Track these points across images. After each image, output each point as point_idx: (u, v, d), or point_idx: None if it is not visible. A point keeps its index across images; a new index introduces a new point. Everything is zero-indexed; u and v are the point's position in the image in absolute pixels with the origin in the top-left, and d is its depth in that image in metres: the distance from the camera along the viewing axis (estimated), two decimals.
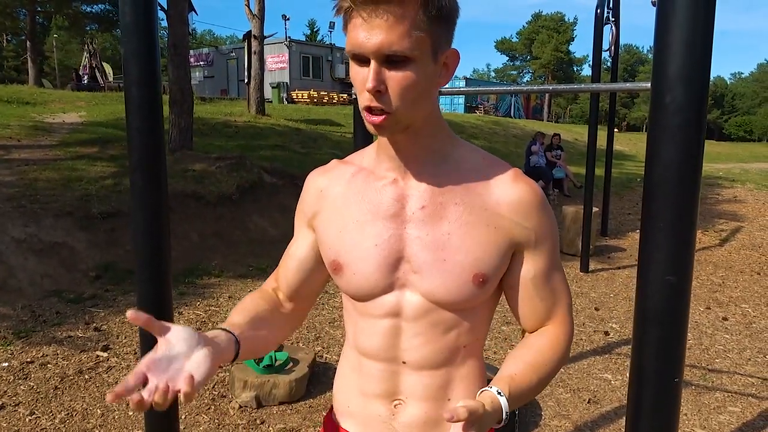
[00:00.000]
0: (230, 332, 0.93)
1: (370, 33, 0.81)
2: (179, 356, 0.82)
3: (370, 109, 0.86)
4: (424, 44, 0.83)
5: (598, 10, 6.23)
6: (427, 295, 0.94)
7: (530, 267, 0.96)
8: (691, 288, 1.01)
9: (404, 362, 0.98)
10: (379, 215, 0.96)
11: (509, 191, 0.93)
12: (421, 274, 0.94)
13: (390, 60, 0.82)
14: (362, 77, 0.85)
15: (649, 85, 1.03)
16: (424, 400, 0.99)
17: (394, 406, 1.00)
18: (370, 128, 0.88)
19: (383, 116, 0.86)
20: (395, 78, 0.83)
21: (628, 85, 1.98)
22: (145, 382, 0.79)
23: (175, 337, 0.83)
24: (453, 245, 0.92)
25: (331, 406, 1.13)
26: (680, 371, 1.03)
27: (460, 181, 0.94)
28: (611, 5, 6.64)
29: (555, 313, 1.00)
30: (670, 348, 1.02)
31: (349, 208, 0.99)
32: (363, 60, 0.84)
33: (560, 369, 0.99)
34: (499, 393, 0.87)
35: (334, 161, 1.08)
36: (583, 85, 2.28)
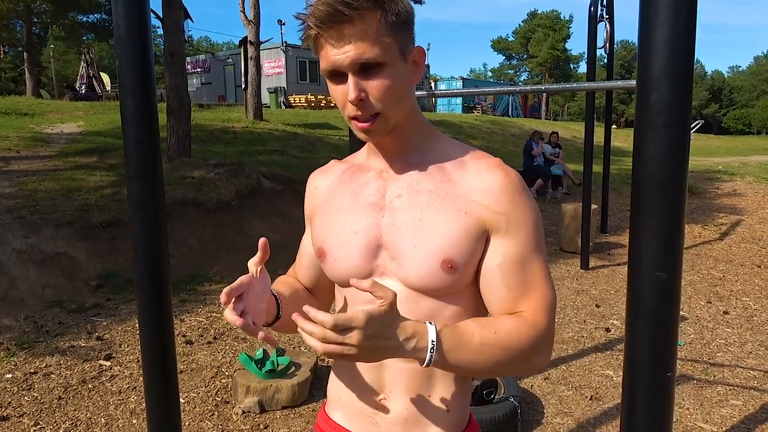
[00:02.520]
0: (275, 297, 1.02)
1: (341, 50, 0.88)
2: (260, 297, 0.96)
3: (356, 118, 0.93)
4: (391, 48, 0.90)
5: (592, 8, 6.25)
6: (404, 282, 0.97)
7: (498, 252, 0.95)
8: (684, 284, 1.02)
9: None
10: (360, 204, 1.02)
11: (483, 177, 0.95)
12: (397, 261, 0.97)
13: (364, 69, 0.89)
14: (342, 92, 0.91)
15: (634, 83, 1.04)
16: (406, 394, 1.01)
17: (379, 400, 1.03)
18: (361, 135, 0.96)
19: (371, 120, 0.92)
20: (372, 84, 0.90)
21: (620, 83, 1.99)
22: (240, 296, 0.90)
23: (263, 280, 0.96)
24: (424, 231, 0.95)
25: (326, 400, 1.18)
26: (673, 365, 1.05)
27: (438, 170, 0.99)
28: (605, 3, 6.65)
29: (524, 306, 0.94)
30: (662, 343, 1.03)
31: (335, 199, 1.06)
32: (340, 75, 0.91)
33: (516, 358, 0.91)
34: (430, 323, 0.86)
35: (332, 161, 1.16)
36: (574, 84, 2.30)
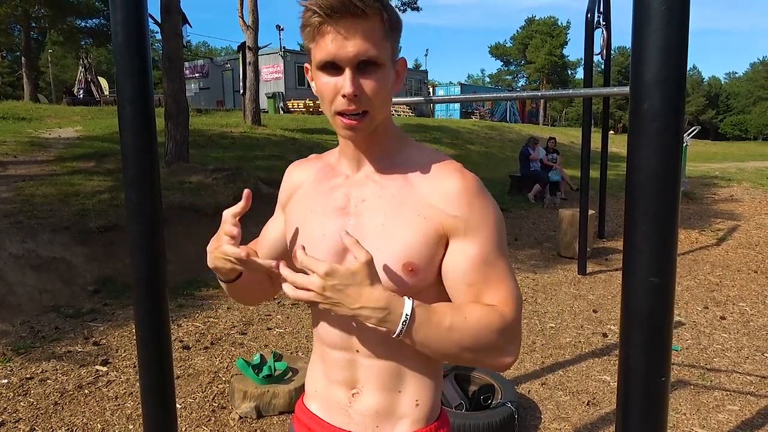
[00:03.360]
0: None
1: (345, 43, 0.89)
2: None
3: (344, 113, 0.94)
4: (387, 52, 0.94)
5: (589, 15, 6.28)
6: None
7: (458, 255, 0.97)
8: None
9: (357, 351, 1.04)
10: (329, 208, 1.05)
11: (441, 182, 0.98)
12: None
13: (362, 66, 0.91)
14: (334, 85, 0.93)
15: (627, 89, 1.05)
16: (377, 389, 1.04)
17: (352, 395, 1.06)
18: (344, 132, 0.97)
19: (359, 118, 0.94)
20: (368, 82, 0.92)
21: (615, 89, 2.01)
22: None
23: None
24: (385, 235, 0.98)
25: (303, 392, 1.21)
26: (667, 370, 1.05)
27: (402, 176, 1.01)
28: (602, 9, 6.69)
29: (487, 297, 0.96)
30: (656, 348, 1.04)
31: (309, 200, 1.09)
32: (336, 68, 0.91)
33: (484, 346, 0.93)
34: (408, 298, 0.90)
35: (312, 155, 1.19)
36: (570, 91, 2.32)
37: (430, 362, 1.05)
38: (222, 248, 1.01)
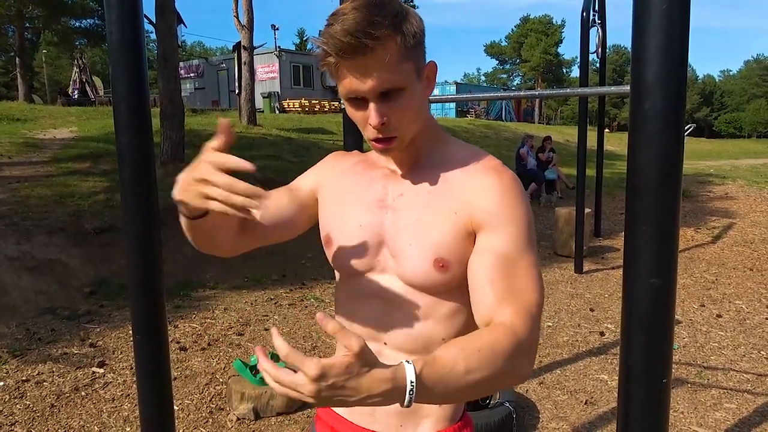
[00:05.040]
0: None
1: (362, 79, 0.89)
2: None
3: (378, 140, 0.95)
4: (410, 71, 0.92)
5: (584, 13, 6.28)
6: (403, 278, 1.00)
7: (484, 250, 0.93)
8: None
9: (385, 343, 1.03)
10: (367, 199, 1.05)
11: (476, 177, 0.98)
12: (396, 259, 1.01)
13: (385, 94, 0.91)
14: (362, 115, 0.94)
15: (628, 88, 1.04)
16: None
17: None
18: (380, 153, 1.00)
19: (389, 141, 0.95)
20: (394, 108, 0.92)
21: (613, 89, 2.00)
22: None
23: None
24: (419, 230, 0.98)
25: None
26: (668, 371, 1.05)
27: (440, 171, 1.01)
28: (597, 8, 6.70)
29: (505, 307, 0.89)
30: (658, 348, 1.03)
31: (347, 189, 1.09)
32: (360, 99, 0.92)
33: (508, 373, 0.85)
34: (408, 362, 0.77)
35: (355, 151, 1.20)
36: (567, 90, 2.32)
37: None
38: (207, 157, 0.83)
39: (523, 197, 0.97)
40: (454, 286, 0.98)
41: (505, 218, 0.94)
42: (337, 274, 1.13)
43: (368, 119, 0.93)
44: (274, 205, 1.12)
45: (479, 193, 0.96)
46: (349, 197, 1.08)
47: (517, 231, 0.93)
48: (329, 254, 1.09)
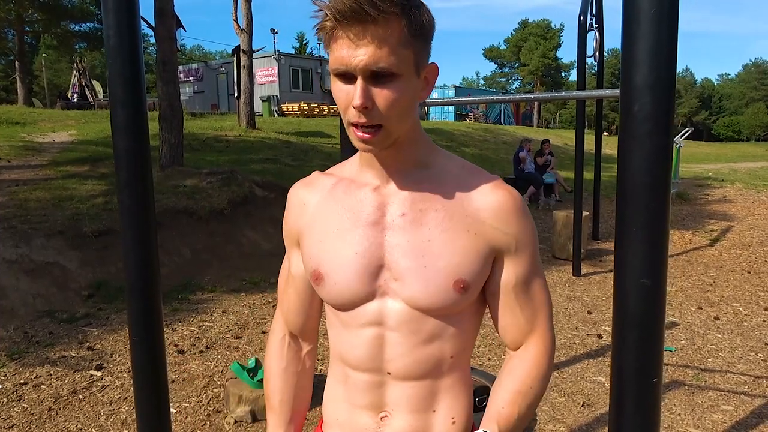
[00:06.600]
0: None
1: (356, 51, 0.82)
2: None
3: (357, 125, 0.87)
4: (408, 60, 0.85)
5: (581, 17, 6.31)
6: (409, 302, 0.94)
7: (511, 274, 0.96)
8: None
9: (389, 372, 0.98)
10: (360, 223, 0.96)
11: (489, 198, 0.94)
12: (403, 281, 0.94)
13: (376, 76, 0.84)
14: (347, 94, 0.86)
15: (618, 92, 1.06)
16: (410, 411, 0.99)
17: (381, 418, 1.00)
18: (359, 145, 0.90)
19: (372, 132, 0.87)
20: (382, 94, 0.85)
21: (607, 92, 2.02)
22: None
23: None
24: (434, 251, 0.92)
25: (321, 419, 1.13)
26: (659, 371, 1.06)
27: (441, 188, 0.95)
28: (594, 12, 6.72)
29: (536, 325, 0.99)
30: (648, 349, 1.05)
31: (330, 217, 0.99)
32: (348, 77, 0.85)
33: (547, 384, 1.01)
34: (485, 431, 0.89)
35: (315, 173, 1.08)
36: (563, 93, 2.33)
37: (465, 375, 1.03)
38: None
39: (529, 214, 0.99)
40: (465, 307, 0.97)
41: (525, 241, 0.96)
42: (327, 306, 1.05)
43: (352, 99, 0.84)
44: (301, 306, 1.13)
45: (499, 215, 0.94)
46: (336, 225, 0.98)
47: (534, 250, 0.98)
48: (321, 291, 1.00)
